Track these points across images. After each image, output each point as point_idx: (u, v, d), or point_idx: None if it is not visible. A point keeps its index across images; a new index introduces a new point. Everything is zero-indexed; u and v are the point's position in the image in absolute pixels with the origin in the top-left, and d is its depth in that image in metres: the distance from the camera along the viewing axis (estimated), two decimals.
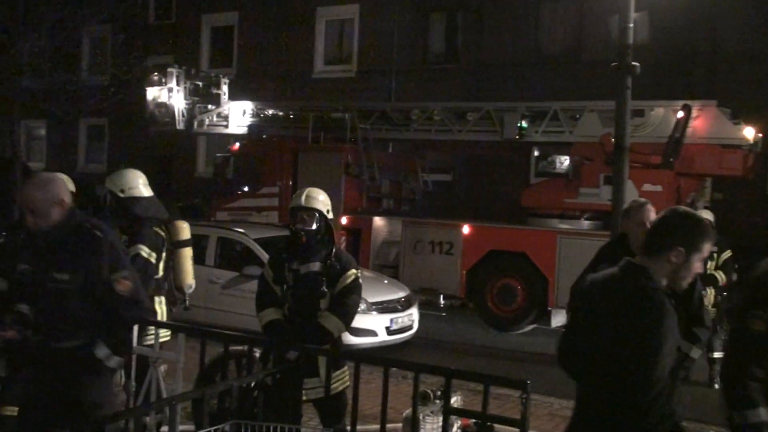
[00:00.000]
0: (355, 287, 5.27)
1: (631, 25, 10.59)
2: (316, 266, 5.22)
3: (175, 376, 4.91)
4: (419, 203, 16.67)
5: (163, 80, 17.31)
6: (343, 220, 14.31)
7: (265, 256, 10.83)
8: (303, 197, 5.32)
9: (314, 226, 5.24)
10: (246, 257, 11.05)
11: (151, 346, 5.29)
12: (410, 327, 11.20)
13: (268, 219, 15.00)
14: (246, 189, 16.12)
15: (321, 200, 5.34)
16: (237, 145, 17.15)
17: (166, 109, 17.32)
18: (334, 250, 5.32)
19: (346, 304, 5.19)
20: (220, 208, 16.12)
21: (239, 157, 16.58)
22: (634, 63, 10.59)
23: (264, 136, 16.95)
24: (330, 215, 5.39)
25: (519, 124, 13.86)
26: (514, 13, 21.14)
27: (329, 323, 5.10)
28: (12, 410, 5.37)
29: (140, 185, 6.11)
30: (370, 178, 15.03)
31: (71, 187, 6.11)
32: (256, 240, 11.22)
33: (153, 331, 5.47)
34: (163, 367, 5.37)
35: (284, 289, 5.26)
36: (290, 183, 15.35)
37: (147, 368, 5.17)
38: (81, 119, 27.71)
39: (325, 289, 5.17)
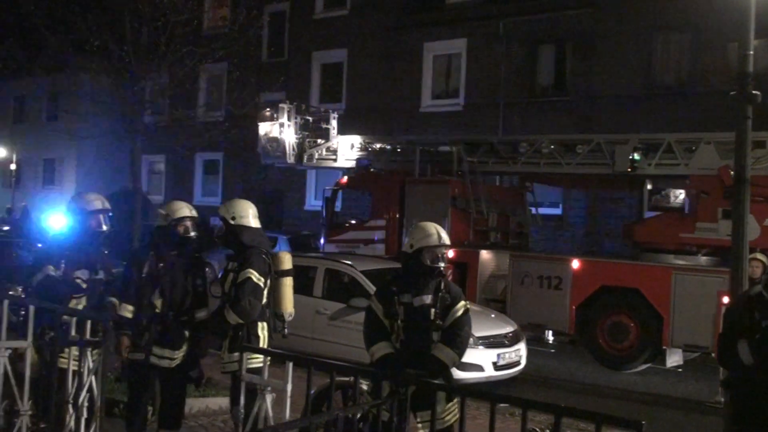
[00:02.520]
0: (467, 319, 5.34)
1: (751, 52, 10.16)
2: (428, 299, 5.29)
3: (282, 404, 4.95)
4: (528, 237, 16.41)
5: (275, 116, 17.79)
6: (450, 254, 14.16)
7: (371, 288, 10.88)
8: (443, 235, 5.46)
9: (445, 263, 5.42)
10: (353, 289, 11.12)
11: (259, 371, 5.36)
12: (518, 363, 10.97)
13: (375, 251, 15.07)
14: (353, 222, 16.32)
15: (447, 236, 5.53)
16: (345, 178, 17.39)
17: (278, 143, 17.76)
18: (443, 282, 5.38)
19: (459, 336, 5.25)
20: (328, 240, 16.34)
21: (347, 190, 16.79)
22: (755, 92, 10.14)
23: (372, 170, 17.11)
24: None
25: (631, 157, 13.47)
26: (626, 43, 20.74)
27: (444, 355, 5.14)
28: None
29: (250, 216, 6.32)
30: (477, 211, 14.92)
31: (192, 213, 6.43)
32: (363, 272, 11.28)
33: (260, 358, 5.55)
34: (270, 396, 5.42)
35: (396, 322, 5.28)
36: (397, 216, 15.40)
37: (255, 395, 5.23)
38: (197, 153, 28.83)
39: (439, 322, 5.23)
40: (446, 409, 4.95)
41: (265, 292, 6.15)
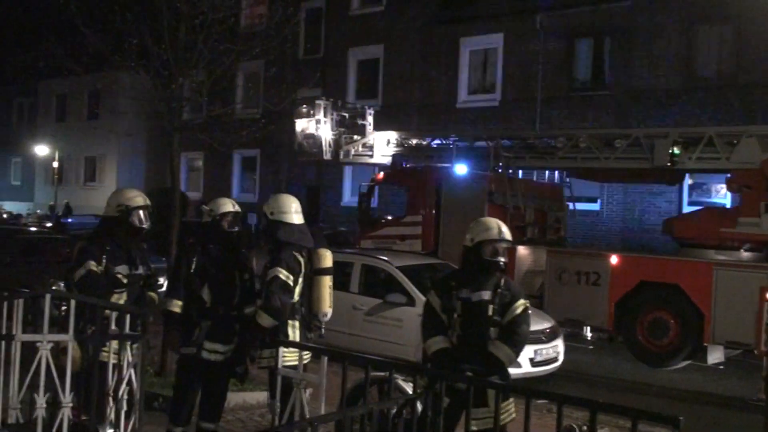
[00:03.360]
0: (526, 318, 5.30)
1: None
2: (486, 294, 5.26)
3: (318, 399, 4.97)
4: (565, 232, 16.28)
5: (312, 112, 17.84)
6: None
7: (408, 284, 10.89)
8: (503, 230, 5.42)
9: (505, 257, 5.39)
10: (389, 285, 11.12)
11: (295, 367, 5.39)
12: (555, 359, 10.89)
13: (412, 247, 15.06)
14: (390, 217, 16.32)
15: (508, 232, 5.48)
16: (381, 174, 17.40)
17: (314, 140, 17.81)
18: (503, 279, 5.36)
19: (517, 334, 5.22)
20: (364, 236, 16.36)
21: (383, 186, 16.80)
22: None
23: (408, 166, 17.10)
24: None
25: (671, 151, 13.27)
26: (666, 36, 20.46)
27: (501, 352, 5.12)
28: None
29: (291, 211, 6.26)
30: (513, 206, 14.83)
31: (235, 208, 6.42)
32: (399, 268, 11.28)
33: (296, 353, 5.59)
34: (308, 392, 5.45)
35: (452, 317, 5.27)
36: (433, 212, 15.37)
37: (291, 389, 5.27)
38: (235, 151, 29.06)
39: (497, 318, 5.20)
40: (503, 407, 4.88)
41: (297, 290, 6.12)
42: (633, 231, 19.02)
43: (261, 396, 8.42)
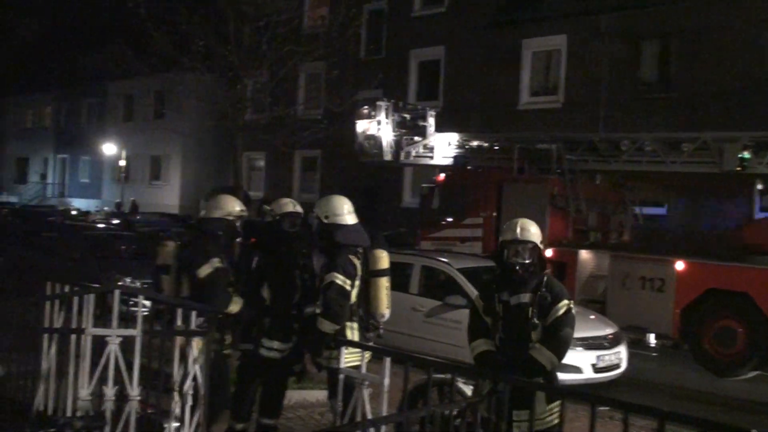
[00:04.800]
0: (567, 319, 5.11)
1: None
2: (526, 297, 5.15)
3: (378, 399, 4.98)
4: (629, 236, 16.00)
5: (373, 113, 17.90)
6: (548, 253, 14.00)
7: (468, 286, 10.83)
8: (518, 230, 5.27)
9: (529, 260, 5.21)
10: (449, 287, 11.09)
11: (356, 368, 5.41)
12: (617, 366, 10.71)
13: (472, 249, 14.99)
14: (450, 219, 16.27)
15: (534, 232, 5.30)
16: (442, 176, 17.36)
17: (375, 141, 17.86)
18: (545, 280, 5.22)
19: (557, 337, 5.08)
20: (424, 238, 16.35)
21: (444, 187, 16.77)
22: None
23: (469, 168, 17.02)
24: (542, 246, 5.31)
25: (741, 155, 12.94)
26: (735, 37, 19.92)
27: (541, 356, 5.01)
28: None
29: (345, 213, 6.26)
30: (576, 210, 14.65)
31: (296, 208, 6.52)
32: (459, 270, 11.23)
33: (357, 354, 5.61)
34: (368, 391, 5.46)
35: (495, 320, 5.22)
36: (494, 214, 15.27)
37: (352, 389, 5.29)
38: (296, 151, 29.33)
39: (536, 321, 5.08)
40: (547, 410, 4.82)
41: (354, 293, 6.12)
42: (699, 236, 18.56)
43: (321, 394, 8.47)
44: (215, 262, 6.04)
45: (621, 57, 22.27)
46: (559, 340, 5.06)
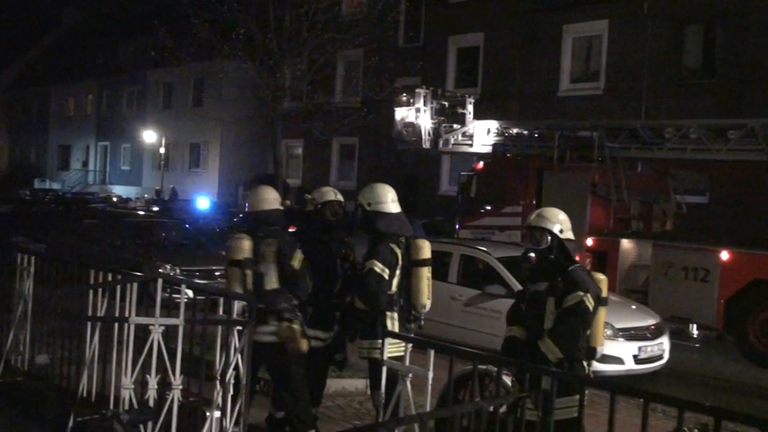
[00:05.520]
0: (574, 311, 4.93)
1: None
2: (542, 286, 5.09)
3: (422, 391, 4.93)
4: (672, 225, 15.73)
5: (411, 101, 17.80)
6: (589, 242, 13.84)
7: (507, 275, 10.74)
8: (533, 216, 5.27)
9: (543, 246, 5.12)
10: (488, 276, 11.00)
11: (398, 359, 5.37)
12: (660, 357, 10.54)
13: (511, 238, 14.86)
14: (489, 208, 16.14)
15: (550, 219, 5.19)
16: (481, 163, 17.22)
17: (413, 128, 17.77)
18: (569, 270, 5.09)
19: (560, 329, 4.95)
20: (463, 226, 16.24)
21: (483, 175, 16.64)
22: None
23: (508, 155, 16.85)
24: (565, 235, 5.16)
25: None
26: None
27: (544, 347, 4.94)
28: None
29: (388, 201, 6.24)
30: (617, 198, 14.42)
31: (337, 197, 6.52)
32: (498, 259, 11.13)
33: (400, 344, 5.58)
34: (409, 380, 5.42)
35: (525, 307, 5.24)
36: (534, 202, 15.10)
37: (395, 381, 5.25)
38: (334, 139, 29.36)
39: (545, 310, 5.01)
40: (559, 401, 4.59)
41: (395, 282, 6.09)
42: (745, 226, 18.19)
43: (360, 383, 8.48)
44: (300, 252, 6.08)
45: (664, 42, 21.86)
46: (562, 332, 4.93)
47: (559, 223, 5.18)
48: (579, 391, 4.46)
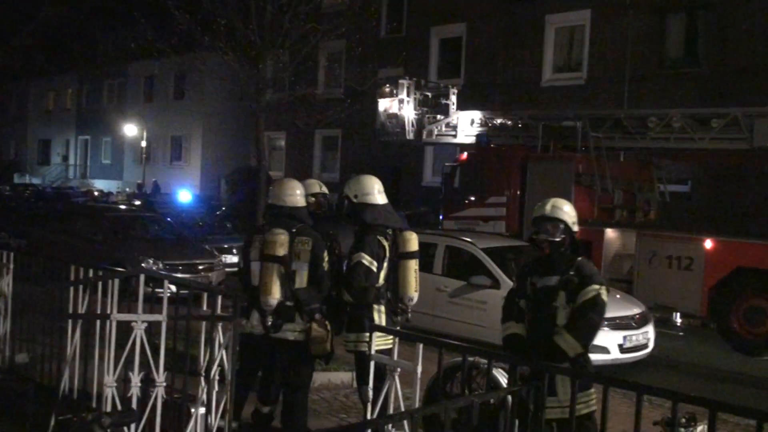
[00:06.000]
0: (593, 304, 4.83)
1: None
2: (552, 280, 4.92)
3: (411, 383, 4.87)
4: (656, 215, 15.77)
5: (394, 92, 17.74)
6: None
7: (493, 265, 10.71)
8: (548, 207, 5.06)
9: (558, 238, 4.97)
10: (473, 267, 10.96)
11: (385, 352, 5.31)
12: (645, 346, 10.56)
13: (495, 228, 14.85)
14: (473, 198, 16.11)
15: (566, 211, 5.06)
16: (465, 154, 17.19)
17: (397, 119, 17.72)
18: (577, 263, 4.97)
19: (581, 323, 4.81)
20: (447, 217, 16.21)
21: (467, 166, 16.61)
22: None
23: (492, 146, 16.83)
24: (576, 228, 5.08)
25: None
26: (764, 9, 19.48)
27: (563, 342, 4.78)
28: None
29: (375, 192, 6.18)
30: (601, 188, 14.44)
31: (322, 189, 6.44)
32: (483, 249, 11.10)
33: (386, 338, 5.51)
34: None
35: (526, 303, 5.05)
36: (518, 193, 15.10)
37: (383, 375, 5.19)
38: (317, 131, 29.22)
39: (557, 305, 4.85)
40: (577, 397, 4.63)
41: (382, 275, 6.03)
42: (727, 215, 18.27)
43: (345, 376, 8.44)
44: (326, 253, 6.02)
45: (646, 32, 21.88)
46: (582, 326, 4.81)
47: (573, 215, 5.10)
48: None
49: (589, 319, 4.84)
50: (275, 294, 5.71)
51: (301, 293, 5.82)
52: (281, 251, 5.77)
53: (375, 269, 5.93)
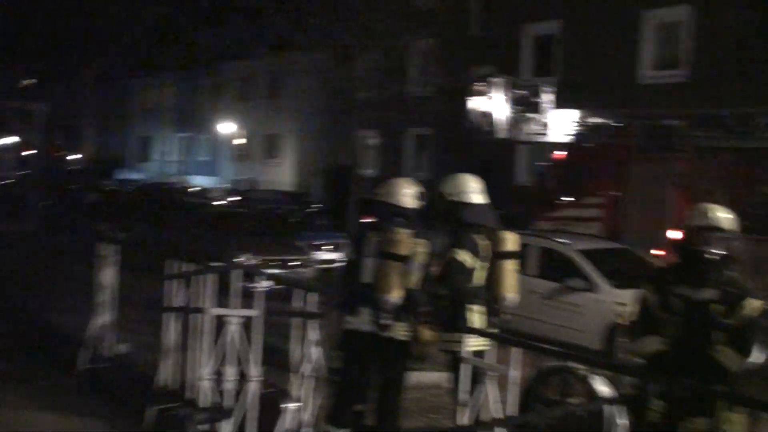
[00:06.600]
0: (758, 318, 4.52)
1: None
2: (710, 293, 4.58)
3: (504, 386, 4.76)
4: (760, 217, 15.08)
5: (486, 90, 17.56)
6: (672, 235, 13.37)
7: (588, 268, 10.45)
8: (714, 216, 4.70)
9: (723, 251, 4.58)
10: (568, 268, 10.73)
11: (479, 353, 5.23)
12: None
13: (590, 230, 14.49)
14: (567, 199, 15.77)
15: (733, 220, 4.73)
16: (559, 153, 16.86)
17: (488, 118, 17.53)
18: (730, 274, 4.62)
19: (750, 340, 4.49)
20: (540, 218, 15.94)
21: (561, 166, 16.29)
22: None
23: (587, 145, 16.43)
24: (738, 239, 4.74)
25: None
26: None
27: (727, 359, 4.47)
28: None
29: (471, 191, 6.09)
30: (703, 190, 13.89)
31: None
32: (579, 251, 10.85)
33: (480, 339, 5.42)
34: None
35: (671, 316, 4.68)
36: (615, 194, 14.70)
37: (477, 377, 5.09)
38: (409, 129, 29.23)
39: (716, 320, 4.54)
40: (729, 419, 4.30)
41: (480, 275, 5.92)
42: None
43: (437, 376, 8.36)
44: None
45: (752, 26, 20.96)
46: (749, 340, 4.46)
47: (737, 226, 4.75)
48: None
49: (756, 335, 4.52)
50: (395, 293, 5.62)
51: (415, 294, 5.75)
52: (404, 250, 5.68)
53: (469, 266, 5.85)
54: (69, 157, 55.23)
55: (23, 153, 45.09)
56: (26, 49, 49.43)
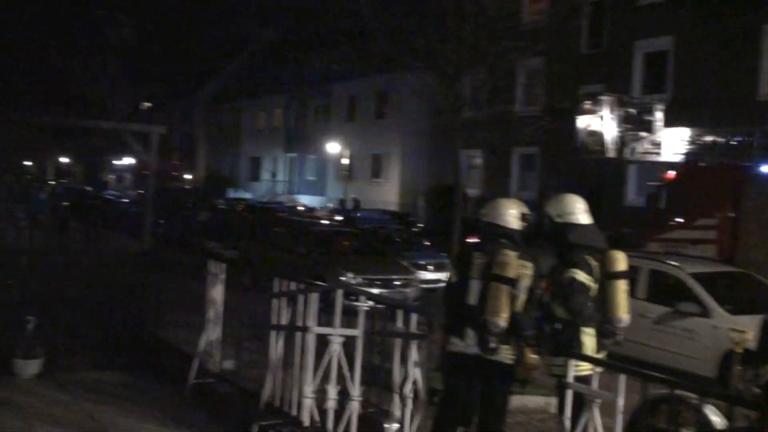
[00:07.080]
0: None
1: None
2: None
3: (610, 414, 4.60)
4: None
5: (595, 108, 17.18)
6: None
7: (701, 292, 10.03)
8: None
9: None
10: (680, 293, 10.33)
11: (586, 379, 5.07)
12: None
13: (705, 252, 13.93)
14: (680, 220, 15.23)
15: None
16: (671, 173, 16.31)
17: (598, 137, 17.13)
18: None
19: None
20: (651, 239, 15.44)
21: (673, 186, 15.76)
22: None
23: (702, 165, 15.84)
24: None
25: None
26: None
27: None
28: None
29: (578, 212, 5.96)
30: None
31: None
32: (692, 275, 10.43)
33: (587, 366, 5.27)
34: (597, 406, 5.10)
35: None
36: (731, 215, 14.10)
37: (582, 403, 4.95)
38: (514, 148, 28.94)
39: None
40: None
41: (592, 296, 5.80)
42: None
43: (541, 401, 8.20)
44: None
45: None
46: None
47: None
48: None
49: None
50: (504, 316, 5.51)
51: (521, 317, 5.65)
52: (512, 273, 5.58)
53: (588, 285, 5.72)
54: (184, 177, 57.38)
55: (141, 173, 47.21)
56: (144, 74, 51.82)
